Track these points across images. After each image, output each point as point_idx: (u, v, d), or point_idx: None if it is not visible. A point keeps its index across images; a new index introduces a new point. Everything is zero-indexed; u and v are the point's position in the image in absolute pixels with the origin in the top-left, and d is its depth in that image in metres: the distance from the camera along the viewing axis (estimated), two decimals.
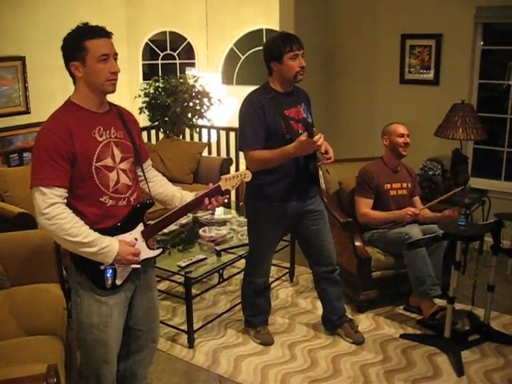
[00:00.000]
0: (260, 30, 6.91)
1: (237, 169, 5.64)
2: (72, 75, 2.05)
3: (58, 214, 1.94)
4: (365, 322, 3.81)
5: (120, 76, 2.07)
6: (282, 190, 2.86)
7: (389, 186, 3.78)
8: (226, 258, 3.67)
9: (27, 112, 6.41)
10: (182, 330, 3.60)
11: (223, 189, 2.16)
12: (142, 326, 2.38)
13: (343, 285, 3.70)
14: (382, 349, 3.47)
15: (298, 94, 2.91)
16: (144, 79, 7.53)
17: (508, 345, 3.45)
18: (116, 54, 2.02)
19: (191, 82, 5.99)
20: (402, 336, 3.59)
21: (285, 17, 4.93)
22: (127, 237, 2.09)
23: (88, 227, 2.00)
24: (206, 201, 2.15)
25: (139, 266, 2.12)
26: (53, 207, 1.94)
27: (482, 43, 4.90)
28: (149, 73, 7.61)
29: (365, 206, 3.72)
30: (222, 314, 3.87)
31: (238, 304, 3.74)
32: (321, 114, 5.32)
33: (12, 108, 6.30)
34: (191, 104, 5.87)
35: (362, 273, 3.74)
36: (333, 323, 3.47)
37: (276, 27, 5.44)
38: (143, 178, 2.25)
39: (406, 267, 3.57)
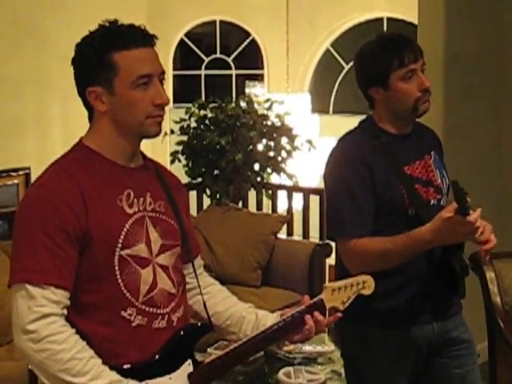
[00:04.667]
0: (378, 21, 6.07)
1: (337, 261, 4.49)
2: (89, 107, 1.76)
3: (52, 334, 1.60)
4: None
5: None
6: (406, 305, 2.35)
7: None
8: None
9: None
10: None
11: (328, 306, 1.82)
12: None
13: None
14: None
15: (423, 136, 2.48)
16: (176, 102, 6.58)
17: None
18: (163, 74, 1.75)
19: (261, 109, 5.04)
20: None
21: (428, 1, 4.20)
22: (165, 382, 1.74)
23: (100, 361, 1.65)
24: (310, 322, 1.79)
25: None
26: (45, 321, 1.59)
27: None
28: (183, 91, 7.24)
29: None
30: None
31: None
32: (488, 174, 4.48)
33: None
34: (260, 148, 4.97)
35: None
36: None
37: (406, 16, 5.29)
38: (195, 284, 1.92)
39: None
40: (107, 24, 1.73)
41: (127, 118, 1.75)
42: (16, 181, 5.16)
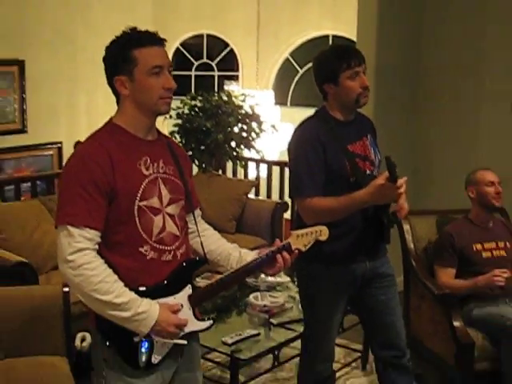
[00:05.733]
0: (325, 38, 6.38)
1: (293, 216, 5.07)
2: (116, 93, 1.93)
3: (86, 263, 1.79)
4: None
5: None
6: (346, 248, 2.65)
7: (479, 246, 3.43)
8: (282, 334, 3.28)
9: (23, 131, 6.00)
10: None
11: (293, 248, 2.01)
12: None
13: (436, 378, 3.40)
14: None
15: (362, 123, 2.75)
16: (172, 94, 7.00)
17: None
18: (171, 66, 1.92)
19: (237, 101, 5.51)
20: None
21: (364, 23, 4.46)
22: (171, 301, 1.91)
23: (122, 284, 1.82)
24: (280, 260, 1.99)
25: (185, 342, 1.91)
26: (80, 253, 1.78)
27: None
28: (178, 86, 7.39)
29: (445, 276, 3.39)
30: None
31: None
32: (404, 153, 4.82)
33: (5, 125, 5.84)
34: (236, 130, 5.42)
35: (461, 363, 3.21)
36: None
37: (347, 34, 5.37)
38: (194, 229, 2.08)
39: (502, 361, 3.09)
40: (129, 30, 1.91)
41: (144, 99, 1.92)
42: (51, 152, 5.89)
